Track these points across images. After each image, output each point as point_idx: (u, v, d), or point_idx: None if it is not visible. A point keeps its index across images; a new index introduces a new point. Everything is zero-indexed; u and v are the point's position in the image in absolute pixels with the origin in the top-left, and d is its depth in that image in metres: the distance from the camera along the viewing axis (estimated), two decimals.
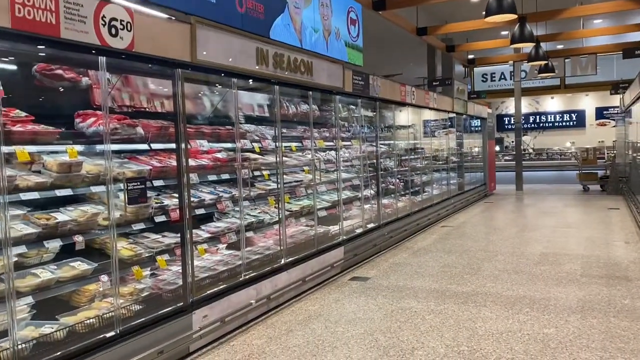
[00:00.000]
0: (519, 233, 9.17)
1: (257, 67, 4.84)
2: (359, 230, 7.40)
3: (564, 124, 22.23)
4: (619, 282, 5.84)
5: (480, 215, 11.61)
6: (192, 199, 4.71)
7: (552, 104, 22.34)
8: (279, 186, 5.58)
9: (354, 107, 7.95)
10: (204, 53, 4.16)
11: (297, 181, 6.38)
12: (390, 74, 13.94)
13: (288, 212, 6.11)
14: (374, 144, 8.30)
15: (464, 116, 13.45)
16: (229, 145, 5.35)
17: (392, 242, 8.31)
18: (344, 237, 6.83)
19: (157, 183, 4.37)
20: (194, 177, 4.63)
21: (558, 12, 10.15)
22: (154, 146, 4.39)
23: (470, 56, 16.10)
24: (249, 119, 6.14)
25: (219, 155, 5.14)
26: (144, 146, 4.29)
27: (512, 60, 15.10)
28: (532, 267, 6.63)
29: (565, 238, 8.55)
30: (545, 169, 18.88)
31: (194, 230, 4.86)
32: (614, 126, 21.20)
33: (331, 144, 7.16)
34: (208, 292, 4.41)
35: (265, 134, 5.90)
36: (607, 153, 17.65)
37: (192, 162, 4.75)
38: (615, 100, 20.98)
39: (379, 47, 14.01)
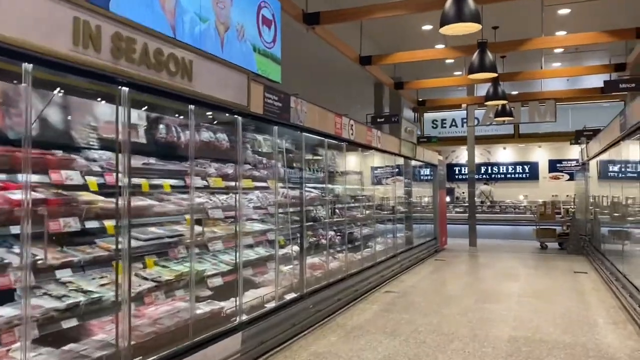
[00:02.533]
0: (479, 304, 7.38)
1: (73, 50, 2.90)
2: (270, 305, 5.40)
3: (516, 175, 21.16)
4: None
5: (431, 278, 9.82)
6: None
7: (505, 154, 21.32)
8: (121, 246, 3.54)
9: (277, 138, 6.10)
10: None
11: (174, 235, 4.38)
12: None
13: (154, 284, 4.08)
14: (301, 186, 6.43)
15: (413, 162, 11.86)
16: (43, 178, 3.34)
17: (320, 317, 6.33)
18: (245, 318, 4.81)
19: None
20: None
21: (519, 42, 8.80)
22: None
23: (421, 98, 14.75)
24: (109, 145, 4.18)
25: (12, 196, 3.11)
26: None
27: (466, 103, 13.81)
28: None
29: (535, 314, 6.81)
30: (499, 223, 17.51)
31: None
32: (567, 180, 20.29)
33: (234, 184, 5.24)
34: None
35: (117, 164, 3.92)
36: (563, 208, 16.44)
37: None
38: (569, 153, 20.15)
39: (320, 82, 12.40)
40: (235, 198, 4.89)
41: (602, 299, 7.71)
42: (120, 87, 3.41)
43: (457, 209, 18.74)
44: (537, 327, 6.14)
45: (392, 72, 12.27)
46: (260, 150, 6.38)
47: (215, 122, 5.21)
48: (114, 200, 3.63)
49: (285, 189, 6.22)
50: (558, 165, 20.66)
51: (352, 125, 7.46)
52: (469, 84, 13.23)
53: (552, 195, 19.44)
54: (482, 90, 13.73)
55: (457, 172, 21.56)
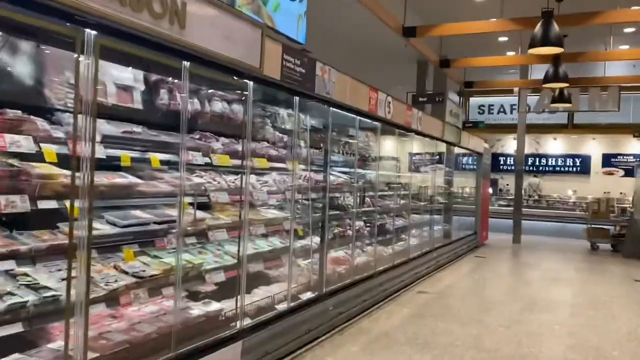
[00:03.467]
0: (525, 314, 6.42)
1: None
2: (282, 306, 4.61)
3: (566, 169, 19.69)
4: None
5: (470, 277, 8.86)
6: None
7: (555, 145, 19.86)
8: (82, 232, 2.77)
9: (299, 112, 5.29)
10: None
11: (164, 222, 3.61)
12: None
13: (134, 280, 3.32)
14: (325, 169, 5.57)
15: (456, 148, 10.82)
16: None
17: (341, 321, 5.51)
18: (248, 323, 4.03)
19: None
20: None
21: (587, 16, 7.61)
22: None
23: (468, 80, 13.58)
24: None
25: None
26: None
27: (518, 86, 12.60)
28: None
29: (595, 330, 5.81)
30: (545, 219, 16.27)
31: None
32: (622, 176, 18.77)
33: (246, 162, 4.44)
34: None
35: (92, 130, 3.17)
36: (618, 206, 15.06)
37: None
38: (627, 147, 18.63)
39: (358, 59, 11.45)
40: (242, 179, 4.08)
41: None
42: (84, 29, 2.61)
43: (501, 202, 17.58)
44: (598, 347, 5.17)
45: (438, 50, 11.20)
46: (283, 127, 5.58)
47: (224, 89, 4.40)
48: (78, 174, 2.86)
49: (307, 171, 5.39)
50: (613, 159, 19.12)
51: (389, 103, 6.53)
52: (523, 64, 12.02)
53: (604, 192, 17.98)
54: (536, 73, 12.50)
55: (502, 162, 20.25)
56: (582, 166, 19.50)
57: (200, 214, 4.00)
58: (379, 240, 7.38)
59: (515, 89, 12.69)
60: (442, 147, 10.34)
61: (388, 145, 8.67)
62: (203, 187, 4.00)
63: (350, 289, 5.85)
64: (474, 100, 18.34)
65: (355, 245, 7.01)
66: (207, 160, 4.03)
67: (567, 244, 14.05)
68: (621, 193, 17.78)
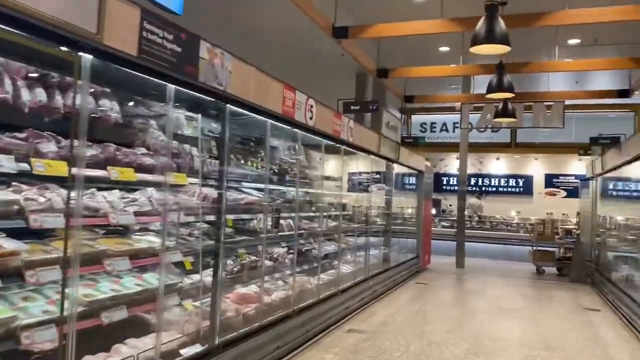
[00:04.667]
0: (470, 358, 5.41)
1: None
2: None
3: (509, 189, 19.30)
4: None
5: (409, 310, 7.83)
6: None
7: (497, 166, 19.46)
8: None
9: (172, 108, 4.23)
10: None
11: None
12: None
13: None
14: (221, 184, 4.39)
15: (396, 166, 9.91)
16: None
17: None
18: None
19: None
20: None
21: (534, 17, 6.88)
22: None
23: (409, 94, 12.81)
24: None
25: None
26: None
27: (460, 101, 11.91)
28: None
29: None
30: (488, 240, 15.64)
31: None
32: (564, 197, 18.55)
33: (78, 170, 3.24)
34: None
35: None
36: (561, 227, 14.58)
37: None
38: (568, 167, 18.46)
39: (294, 71, 10.43)
40: (68, 195, 2.86)
41: (636, 357, 5.79)
42: None
43: (444, 223, 16.89)
44: None
45: (376, 59, 10.34)
46: (180, 132, 4.47)
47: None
48: None
49: (198, 186, 4.24)
50: (555, 180, 18.89)
51: (311, 106, 5.47)
52: (466, 74, 11.35)
53: (547, 213, 17.62)
54: (479, 88, 11.89)
55: (444, 182, 19.67)
56: (525, 186, 19.18)
57: (10, 244, 2.76)
58: (303, 269, 6.28)
59: (457, 105, 11.98)
60: (381, 165, 9.41)
61: (319, 161, 7.64)
62: (16, 207, 2.77)
63: (259, 334, 4.68)
64: (416, 118, 17.74)
65: (274, 278, 5.89)
66: (23, 166, 2.80)
67: (511, 267, 13.39)
68: (564, 214, 17.48)
